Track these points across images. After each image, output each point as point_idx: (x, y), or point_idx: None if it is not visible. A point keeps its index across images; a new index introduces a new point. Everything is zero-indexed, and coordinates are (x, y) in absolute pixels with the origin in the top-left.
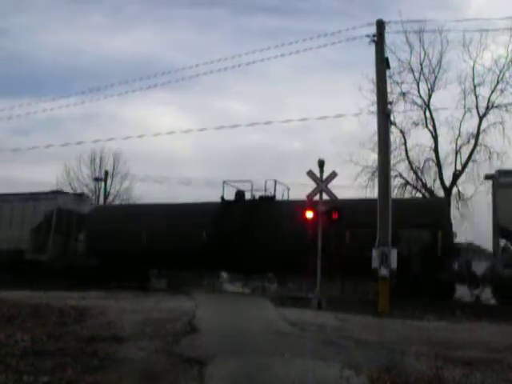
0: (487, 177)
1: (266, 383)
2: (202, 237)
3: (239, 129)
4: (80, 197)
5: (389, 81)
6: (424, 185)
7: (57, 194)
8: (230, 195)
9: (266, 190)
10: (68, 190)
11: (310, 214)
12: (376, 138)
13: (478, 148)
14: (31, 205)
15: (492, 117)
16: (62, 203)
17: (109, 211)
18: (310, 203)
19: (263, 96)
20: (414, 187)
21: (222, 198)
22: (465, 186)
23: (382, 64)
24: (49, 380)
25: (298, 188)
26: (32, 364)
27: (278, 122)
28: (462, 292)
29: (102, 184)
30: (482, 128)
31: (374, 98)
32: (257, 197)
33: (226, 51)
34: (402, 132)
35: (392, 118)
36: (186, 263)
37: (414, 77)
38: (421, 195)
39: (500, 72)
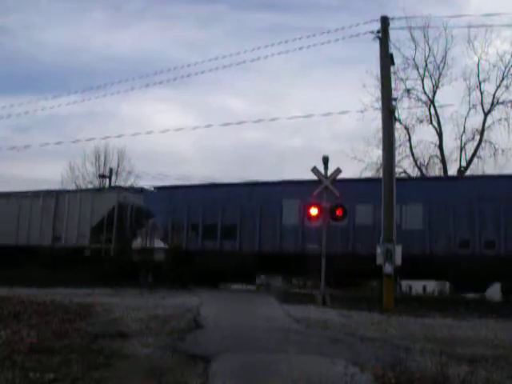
0: None
1: (269, 380)
2: None
3: (240, 125)
4: None
5: (393, 77)
6: None
7: None
8: None
9: None
10: (73, 187)
11: (314, 211)
12: (380, 135)
13: (482, 144)
14: None
15: (497, 113)
16: None
17: None
18: (314, 200)
19: (264, 93)
20: None
21: None
22: None
23: (387, 60)
24: (55, 377)
25: None
26: (38, 361)
27: (281, 118)
28: None
29: (107, 181)
30: (486, 124)
31: (378, 94)
32: None
33: (227, 47)
34: (406, 128)
35: (396, 114)
36: None
37: (419, 73)
38: None
39: (505, 68)
